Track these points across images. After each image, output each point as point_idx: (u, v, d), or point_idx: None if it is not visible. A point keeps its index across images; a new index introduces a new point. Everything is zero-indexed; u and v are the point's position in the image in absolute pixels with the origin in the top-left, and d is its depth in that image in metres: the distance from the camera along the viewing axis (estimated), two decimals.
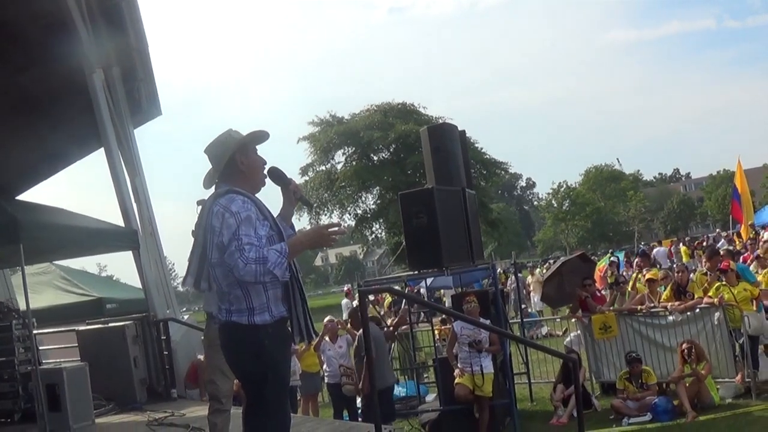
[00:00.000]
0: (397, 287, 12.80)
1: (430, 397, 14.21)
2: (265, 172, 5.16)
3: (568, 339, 15.44)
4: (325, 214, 54.25)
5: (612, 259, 30.24)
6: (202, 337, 8.96)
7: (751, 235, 25.39)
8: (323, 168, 53.27)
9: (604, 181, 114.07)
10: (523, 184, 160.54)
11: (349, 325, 13.49)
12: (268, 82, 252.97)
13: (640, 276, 16.56)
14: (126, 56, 13.58)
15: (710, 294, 12.60)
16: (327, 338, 13.13)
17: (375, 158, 53.47)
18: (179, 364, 12.29)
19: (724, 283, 12.62)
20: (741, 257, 16.26)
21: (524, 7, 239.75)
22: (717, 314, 12.27)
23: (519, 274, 21.89)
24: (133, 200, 13.03)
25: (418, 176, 44.94)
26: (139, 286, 13.37)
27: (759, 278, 12.95)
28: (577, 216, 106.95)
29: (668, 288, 13.44)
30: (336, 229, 5.03)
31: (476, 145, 52.46)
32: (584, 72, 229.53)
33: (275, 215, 5.07)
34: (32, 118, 13.65)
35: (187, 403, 11.01)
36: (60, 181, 48.56)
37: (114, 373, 11.53)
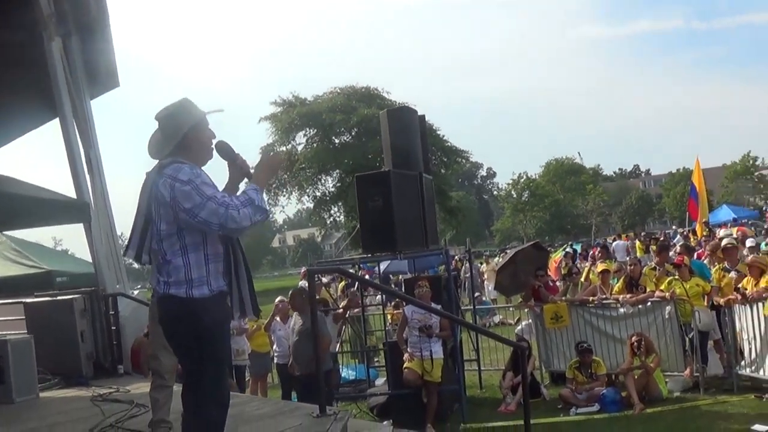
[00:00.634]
0: (352, 271, 12.73)
1: (380, 380, 14.12)
2: (213, 146, 5.05)
3: (519, 327, 15.50)
4: (284, 195, 54.17)
5: (567, 250, 30.43)
6: None
7: (705, 233, 25.59)
8: (284, 149, 52.65)
9: (564, 174, 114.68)
10: (484, 173, 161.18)
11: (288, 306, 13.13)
12: (232, 60, 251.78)
13: (593, 268, 16.62)
14: (85, 26, 13.31)
15: (662, 288, 12.63)
16: (278, 318, 13.03)
17: (336, 141, 53.07)
18: (127, 340, 12.01)
19: (676, 277, 12.66)
20: (696, 254, 16.32)
21: None
22: (668, 308, 12.32)
23: (474, 262, 21.93)
24: (87, 172, 12.73)
25: (378, 161, 44.68)
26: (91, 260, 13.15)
27: (711, 275, 12.98)
28: (535, 207, 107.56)
29: (621, 280, 13.48)
30: (280, 158, 5.00)
31: (438, 132, 52.39)
32: (551, 65, 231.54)
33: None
34: None
35: (134, 379, 10.80)
36: (11, 151, 47.88)
37: (61, 347, 11.28)
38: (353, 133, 51.94)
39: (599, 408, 11.54)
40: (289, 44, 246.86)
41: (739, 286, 11.70)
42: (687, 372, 12.15)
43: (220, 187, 4.93)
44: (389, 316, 15.81)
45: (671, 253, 16.29)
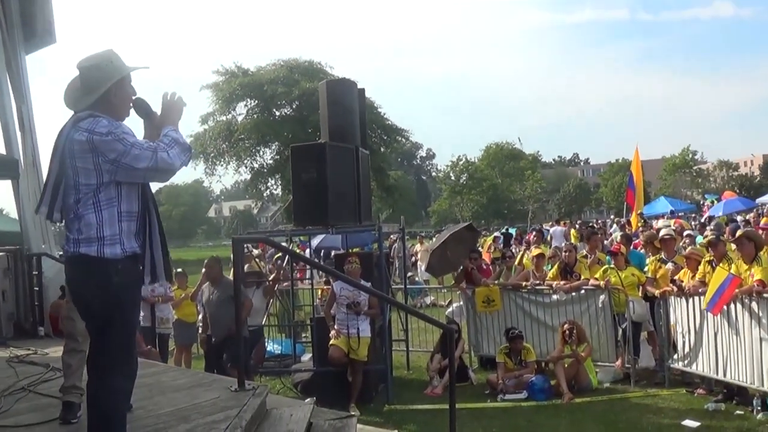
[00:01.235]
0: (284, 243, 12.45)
1: (306, 357, 13.98)
2: (131, 103, 4.89)
3: (450, 309, 15.35)
4: (221, 165, 53.58)
5: (496, 234, 30.42)
6: None
7: (640, 224, 25.67)
8: (223, 118, 52.37)
9: (504, 159, 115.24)
10: (423, 154, 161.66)
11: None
12: (175, 26, 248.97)
13: (528, 252, 16.48)
14: None
15: (597, 276, 12.50)
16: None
17: (277, 113, 52.83)
18: (49, 302, 11.91)
19: (612, 266, 12.54)
20: (632, 244, 16.25)
21: None
22: (602, 297, 12.21)
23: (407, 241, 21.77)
24: (18, 128, 12.45)
25: (318, 135, 44.45)
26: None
27: (646, 267, 12.88)
28: (473, 190, 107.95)
29: (555, 267, 13.33)
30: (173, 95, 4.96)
31: (379, 110, 52.47)
32: (496, 50, 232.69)
33: None
34: None
35: (53, 342, 10.51)
36: None
37: None
38: (294, 107, 51.77)
39: (527, 395, 11.40)
40: (234, 13, 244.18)
41: (676, 278, 11.58)
42: (618, 363, 12.07)
43: None
44: (319, 291, 15.57)
45: (607, 242, 16.20)
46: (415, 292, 21.62)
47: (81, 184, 4.50)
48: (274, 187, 57.46)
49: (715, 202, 41.69)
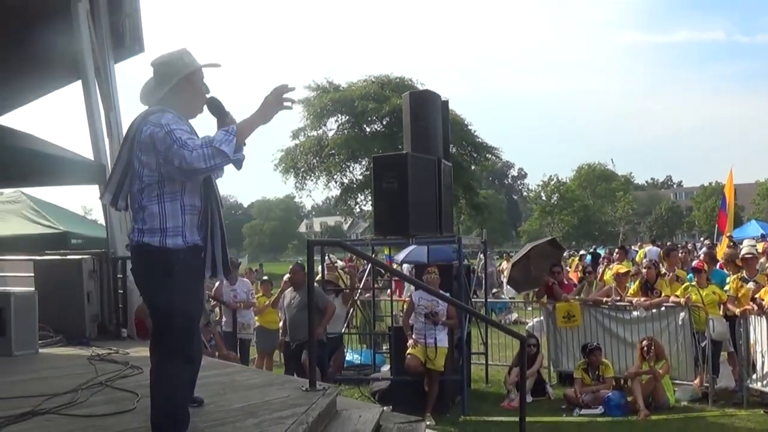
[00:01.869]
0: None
1: (386, 367, 14.03)
2: (205, 101, 4.99)
3: (530, 324, 15.30)
4: (312, 180, 54.00)
5: (582, 252, 30.18)
6: None
7: (730, 245, 25.21)
8: (314, 133, 52.87)
9: (596, 180, 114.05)
10: (515, 173, 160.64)
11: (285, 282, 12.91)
12: (267, 39, 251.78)
13: (609, 268, 16.38)
14: None
15: (678, 293, 12.38)
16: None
17: (367, 129, 53.10)
18: (133, 305, 12.03)
19: (693, 283, 12.41)
20: (718, 264, 16.01)
21: None
22: (682, 314, 12.08)
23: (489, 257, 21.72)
24: (106, 135, 12.74)
25: None
26: None
27: (728, 286, 12.70)
28: (564, 211, 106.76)
29: (636, 283, 13.24)
30: (286, 87, 4.83)
31: (469, 127, 52.41)
32: (590, 70, 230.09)
33: None
34: (10, 46, 13.31)
35: (136, 343, 10.77)
36: (34, 110, 48.19)
37: (66, 306, 11.27)
38: (384, 123, 51.88)
39: (603, 411, 11.35)
40: (328, 29, 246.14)
41: (757, 296, 11.42)
42: (697, 381, 11.92)
43: None
44: (401, 303, 15.69)
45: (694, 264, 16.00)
46: (499, 309, 21.59)
47: (145, 176, 4.64)
48: (364, 202, 57.72)
49: None
